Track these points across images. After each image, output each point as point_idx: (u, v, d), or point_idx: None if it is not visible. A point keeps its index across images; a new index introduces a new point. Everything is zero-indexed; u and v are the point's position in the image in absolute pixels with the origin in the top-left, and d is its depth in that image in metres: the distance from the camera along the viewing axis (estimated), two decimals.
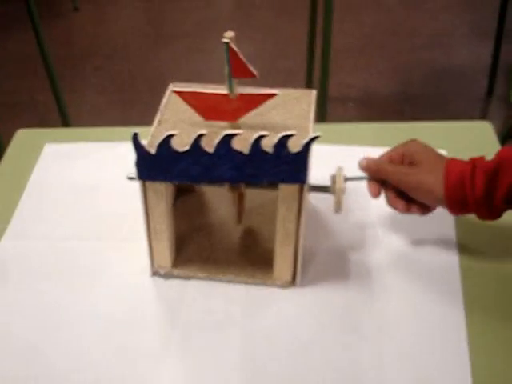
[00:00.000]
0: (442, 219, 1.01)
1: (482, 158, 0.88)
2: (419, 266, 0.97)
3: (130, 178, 0.94)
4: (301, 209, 0.86)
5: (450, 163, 0.88)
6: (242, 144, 0.80)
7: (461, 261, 0.97)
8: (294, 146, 0.80)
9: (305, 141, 0.80)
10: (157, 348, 0.87)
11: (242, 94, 0.86)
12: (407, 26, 3.45)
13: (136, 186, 0.89)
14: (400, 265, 0.97)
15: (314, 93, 0.96)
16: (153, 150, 0.81)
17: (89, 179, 1.13)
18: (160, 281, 0.96)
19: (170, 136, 0.80)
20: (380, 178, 0.91)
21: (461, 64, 3.14)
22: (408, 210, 0.91)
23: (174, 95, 0.93)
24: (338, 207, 0.90)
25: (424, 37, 3.36)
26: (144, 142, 0.83)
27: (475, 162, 0.87)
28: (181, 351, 0.87)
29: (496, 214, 0.87)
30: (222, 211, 1.03)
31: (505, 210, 0.87)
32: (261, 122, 0.90)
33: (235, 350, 0.87)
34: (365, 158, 0.92)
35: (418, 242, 1.01)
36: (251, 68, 0.84)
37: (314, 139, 0.80)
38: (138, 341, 0.88)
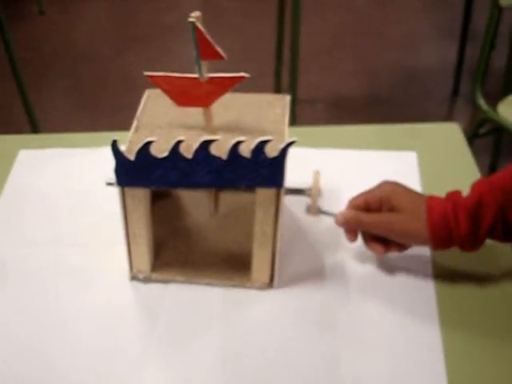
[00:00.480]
0: None
1: (458, 194, 0.91)
2: (393, 266, 0.99)
3: (109, 184, 0.95)
4: (278, 212, 0.88)
5: (431, 205, 0.90)
6: (218, 149, 0.82)
7: (434, 260, 0.99)
8: (271, 151, 0.81)
9: (282, 146, 0.81)
10: (137, 351, 0.88)
11: (211, 78, 0.86)
12: (374, 26, 3.49)
13: (113, 191, 0.90)
14: (374, 266, 0.99)
15: (287, 98, 0.97)
16: (132, 157, 0.82)
17: (65, 185, 1.13)
18: (139, 285, 0.96)
19: (149, 142, 0.81)
20: (360, 229, 0.94)
21: (427, 64, 3.19)
22: (386, 252, 0.94)
23: (151, 101, 0.94)
24: (313, 210, 0.92)
25: (391, 38, 3.40)
26: (122, 147, 0.84)
27: (455, 201, 0.89)
28: (161, 354, 0.88)
29: (479, 246, 0.91)
30: (198, 215, 1.05)
31: (485, 240, 0.90)
32: (236, 126, 0.91)
33: (215, 352, 0.88)
34: (341, 214, 0.94)
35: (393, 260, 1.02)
36: (219, 49, 0.83)
37: (290, 144, 0.81)
38: (118, 344, 0.89)
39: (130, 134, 0.90)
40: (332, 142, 1.21)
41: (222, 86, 0.87)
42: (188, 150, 0.82)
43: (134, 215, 0.89)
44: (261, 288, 0.96)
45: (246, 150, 0.82)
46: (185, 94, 0.87)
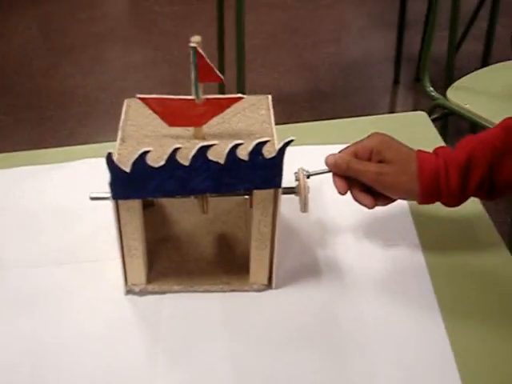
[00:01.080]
0: (401, 217, 1.06)
1: (448, 151, 0.91)
2: (387, 260, 1.00)
3: (94, 198, 0.93)
4: (275, 212, 0.87)
5: (421, 159, 0.90)
6: (211, 154, 0.81)
7: (425, 254, 1.02)
8: (265, 152, 0.81)
9: (279, 146, 0.81)
10: (144, 366, 0.86)
11: (208, 99, 0.86)
12: (307, 22, 3.52)
13: (96, 205, 0.89)
14: (368, 258, 1.00)
15: (269, 98, 0.97)
16: (127, 168, 0.80)
17: (43, 203, 1.10)
18: (135, 298, 0.95)
19: (146, 152, 0.79)
20: (349, 175, 0.92)
21: (365, 55, 3.23)
22: (375, 205, 0.93)
23: (132, 110, 0.92)
24: (304, 207, 0.91)
25: (325, 32, 3.43)
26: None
27: (446, 157, 0.90)
28: (168, 366, 0.86)
29: (462, 203, 0.92)
30: (185, 222, 1.04)
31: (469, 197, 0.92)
32: (225, 129, 0.90)
33: (221, 357, 0.87)
34: (331, 155, 0.93)
35: (383, 239, 1.04)
36: (217, 72, 0.84)
37: (288, 143, 0.81)
38: (124, 361, 0.87)
39: (116, 145, 0.88)
40: (310, 138, 1.21)
41: (218, 107, 0.87)
42: (184, 158, 0.80)
43: (129, 227, 0.88)
44: (259, 290, 0.95)
45: (243, 153, 0.81)
46: (178, 115, 0.87)
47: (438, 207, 0.93)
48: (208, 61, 0.83)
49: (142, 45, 3.28)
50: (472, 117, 1.94)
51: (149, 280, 0.95)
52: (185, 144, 0.87)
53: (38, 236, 1.05)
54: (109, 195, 0.91)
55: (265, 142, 0.81)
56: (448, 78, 2.29)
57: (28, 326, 0.91)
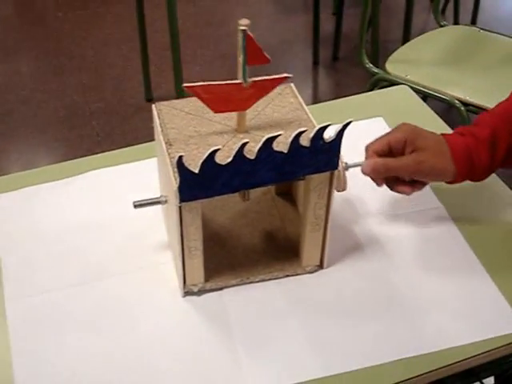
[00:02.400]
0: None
1: (470, 129, 0.98)
2: (419, 226, 1.07)
3: (138, 206, 0.93)
4: (330, 194, 0.91)
5: (451, 141, 0.97)
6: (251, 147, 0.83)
7: (449, 214, 1.08)
8: (304, 139, 0.83)
9: (338, 128, 0.84)
10: (226, 359, 0.89)
11: (255, 81, 0.88)
12: (217, 14, 3.54)
13: (116, 215, 0.97)
14: (402, 228, 1.06)
15: (292, 86, 1.00)
16: (196, 169, 0.81)
17: (62, 221, 1.08)
18: (193, 299, 0.96)
19: (215, 151, 0.80)
20: (388, 175, 0.97)
21: (280, 40, 3.28)
22: (413, 191, 0.99)
23: (164, 114, 0.94)
24: (340, 185, 0.95)
25: (237, 22, 3.44)
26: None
27: (472, 135, 0.97)
28: (250, 353, 0.89)
29: (489, 176, 1.00)
30: (220, 219, 1.06)
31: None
32: (264, 121, 0.93)
33: (296, 332, 0.91)
34: (367, 164, 0.96)
35: (409, 206, 1.10)
36: (265, 53, 0.85)
37: (347, 125, 0.84)
38: (206, 361, 0.88)
39: (164, 150, 0.89)
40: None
41: (264, 89, 0.89)
42: (248, 152, 0.82)
43: (191, 228, 0.89)
44: (312, 271, 0.98)
45: (304, 140, 0.84)
46: (224, 100, 0.88)
47: None
48: (257, 43, 0.83)
49: (50, 53, 3.22)
50: (414, 86, 2.02)
51: (205, 278, 0.96)
52: (232, 139, 0.88)
53: (70, 254, 1.03)
54: (153, 200, 0.92)
55: (326, 127, 0.83)
56: (375, 52, 2.37)
57: (99, 343, 0.91)
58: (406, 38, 2.61)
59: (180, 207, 0.86)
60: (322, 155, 0.85)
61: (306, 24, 3.33)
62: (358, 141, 0.98)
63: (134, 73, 2.97)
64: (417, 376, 0.86)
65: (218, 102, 0.87)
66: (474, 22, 3.24)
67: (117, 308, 0.94)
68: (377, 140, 0.97)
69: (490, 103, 1.85)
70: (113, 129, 2.76)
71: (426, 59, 2.15)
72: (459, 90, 1.97)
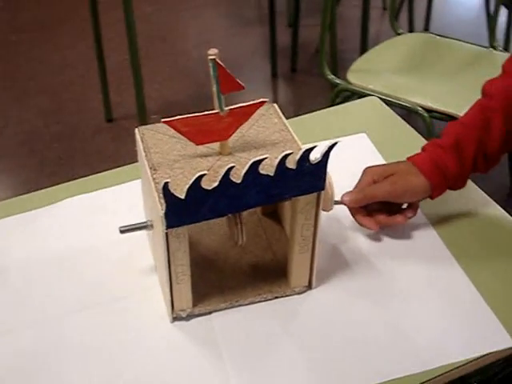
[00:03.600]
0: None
1: (433, 142, 1.03)
2: (406, 246, 1.07)
3: (124, 231, 0.93)
4: (318, 215, 0.91)
5: (415, 159, 1.03)
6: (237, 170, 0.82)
7: (433, 226, 1.10)
8: (291, 161, 0.83)
9: (324, 150, 0.84)
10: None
11: (232, 109, 0.87)
12: (171, 31, 3.53)
13: (107, 241, 0.97)
14: (389, 247, 1.07)
15: (275, 106, 1.00)
16: (182, 195, 0.81)
17: (43, 249, 1.07)
18: (182, 324, 0.95)
19: (201, 177, 0.80)
20: (367, 202, 1.02)
21: (237, 53, 3.29)
22: (380, 225, 1.04)
23: (147, 138, 0.93)
24: (327, 205, 0.95)
25: (193, 37, 3.46)
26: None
27: (435, 147, 1.02)
28: (240, 376, 0.88)
29: (466, 182, 1.05)
30: (206, 242, 1.05)
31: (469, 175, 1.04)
32: (248, 142, 0.93)
33: (288, 353, 0.91)
34: (345, 195, 1.02)
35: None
36: (238, 80, 0.85)
37: (333, 146, 0.84)
38: None
39: (149, 176, 0.88)
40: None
41: (243, 116, 0.88)
42: (234, 176, 0.82)
43: (178, 254, 0.88)
44: (300, 292, 0.98)
45: (290, 162, 0.84)
46: (204, 132, 0.88)
47: None
48: (228, 71, 0.83)
49: (6, 77, 3.18)
50: (378, 95, 2.04)
51: (194, 303, 0.95)
52: (217, 163, 0.88)
53: (54, 285, 1.01)
54: (139, 225, 0.91)
55: (312, 149, 0.83)
56: (334, 63, 2.39)
57: (91, 372, 0.89)
58: (363, 48, 2.63)
59: (166, 233, 0.84)
60: (308, 177, 0.85)
61: (262, 36, 3.34)
62: (342, 159, 1.00)
63: (93, 93, 2.94)
64: None
65: (198, 133, 0.87)
66: (426, 29, 3.29)
67: (106, 336, 0.93)
68: (352, 193, 1.02)
69: (452, 108, 1.90)
70: (75, 151, 2.73)
71: (387, 68, 2.18)
72: (421, 96, 2.00)
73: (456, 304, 0.96)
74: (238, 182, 0.82)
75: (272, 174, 0.83)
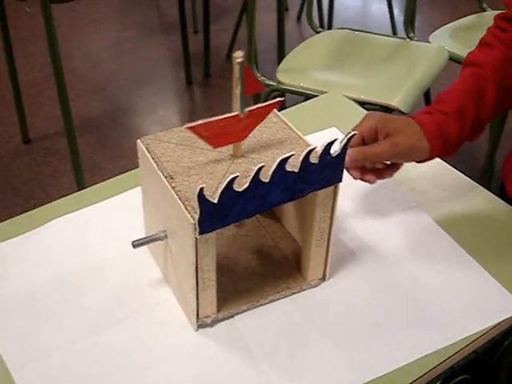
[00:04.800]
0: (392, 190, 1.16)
1: (436, 107, 1.04)
2: (401, 225, 1.11)
3: (137, 245, 0.92)
4: (334, 207, 0.93)
5: (419, 120, 1.02)
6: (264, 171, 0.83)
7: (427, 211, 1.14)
8: (313, 156, 0.85)
9: (343, 142, 0.87)
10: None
11: (250, 111, 0.88)
12: (78, 47, 3.47)
13: (115, 255, 0.98)
14: (390, 234, 1.10)
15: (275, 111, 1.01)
16: (215, 200, 0.81)
17: (39, 274, 1.04)
18: (207, 331, 0.95)
19: (233, 179, 0.80)
20: (367, 162, 1.02)
21: (148, 64, 3.26)
22: (378, 179, 1.05)
23: (153, 148, 0.94)
24: None
25: (101, 51, 3.41)
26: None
27: (439, 112, 1.03)
28: (280, 374, 0.89)
29: (456, 150, 1.06)
30: None
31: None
32: (256, 143, 0.94)
33: (325, 348, 0.92)
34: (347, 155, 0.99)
35: (389, 211, 1.14)
36: (260, 81, 0.86)
37: (351, 138, 0.87)
38: None
39: (166, 185, 0.88)
40: None
41: (259, 117, 0.90)
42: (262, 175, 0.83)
43: (205, 260, 0.88)
44: (316, 285, 1.00)
45: (313, 157, 0.85)
46: (222, 134, 0.88)
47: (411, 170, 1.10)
48: (252, 73, 0.84)
49: None
50: (309, 93, 2.09)
51: (218, 308, 0.95)
52: (231, 165, 0.89)
53: (63, 309, 0.98)
54: (152, 237, 0.91)
55: (332, 142, 0.85)
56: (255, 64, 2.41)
57: None
58: (280, 48, 2.67)
59: (196, 240, 0.84)
60: (328, 170, 0.87)
61: (170, 45, 3.34)
62: None
63: (7, 115, 2.85)
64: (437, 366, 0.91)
65: (217, 137, 0.87)
66: (330, 27, 3.37)
67: (129, 356, 0.91)
68: (353, 153, 1.00)
69: (384, 99, 1.96)
70: None
71: (313, 65, 2.23)
72: (352, 90, 2.04)
73: (464, 281, 1.01)
74: (267, 180, 0.83)
75: (297, 171, 0.84)
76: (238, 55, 0.82)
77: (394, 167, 1.05)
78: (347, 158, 0.94)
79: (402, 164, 1.05)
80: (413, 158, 1.03)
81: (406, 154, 1.01)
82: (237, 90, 0.85)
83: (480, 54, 1.09)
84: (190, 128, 0.85)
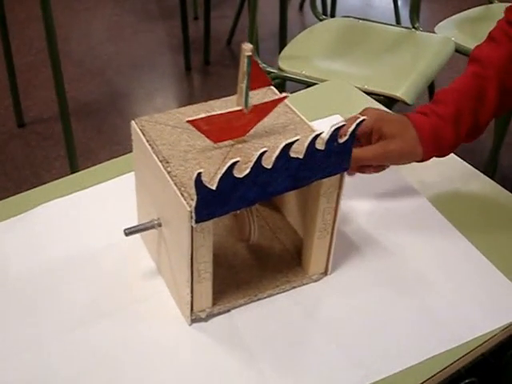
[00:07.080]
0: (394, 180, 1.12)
1: (432, 107, 1.00)
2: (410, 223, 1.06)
3: (130, 233, 0.87)
4: (339, 197, 0.87)
5: (416, 123, 0.98)
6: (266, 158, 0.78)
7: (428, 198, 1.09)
8: (319, 142, 0.80)
9: (351, 128, 0.81)
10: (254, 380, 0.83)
11: (255, 106, 0.83)
12: (73, 29, 3.42)
13: (91, 248, 0.94)
14: (393, 226, 1.05)
15: (273, 88, 0.96)
16: (213, 186, 0.76)
17: (29, 259, 0.98)
18: (201, 325, 0.90)
19: (233, 165, 0.75)
20: (358, 165, 0.98)
21: (147, 49, 3.21)
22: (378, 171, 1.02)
23: (148, 130, 0.88)
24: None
25: (98, 34, 3.35)
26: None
27: (436, 115, 0.98)
28: (276, 370, 0.84)
29: (453, 151, 1.03)
30: None
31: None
32: (259, 130, 0.88)
33: (325, 346, 0.87)
34: None
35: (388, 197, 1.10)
36: (266, 75, 0.82)
37: (359, 125, 0.81)
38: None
39: (161, 169, 0.82)
40: None
41: (263, 112, 0.85)
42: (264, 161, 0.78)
43: (201, 250, 0.83)
44: (317, 279, 0.95)
45: (319, 143, 0.80)
46: (224, 129, 0.83)
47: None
48: (260, 67, 0.80)
49: None
50: (311, 81, 2.04)
51: (213, 302, 0.90)
52: (231, 150, 0.84)
53: (58, 296, 0.93)
54: (145, 225, 0.86)
55: (340, 128, 0.80)
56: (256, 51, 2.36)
57: None
58: (282, 36, 2.61)
59: (192, 229, 0.79)
60: (334, 157, 0.82)
61: (170, 30, 3.28)
62: None
63: (1, 98, 2.79)
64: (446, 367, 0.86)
65: (218, 131, 0.82)
66: (333, 16, 3.32)
67: (118, 351, 0.86)
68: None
69: (387, 89, 1.91)
70: None
71: (316, 53, 2.17)
72: (354, 79, 1.98)
73: (471, 277, 0.96)
74: (269, 167, 0.77)
75: (301, 157, 0.79)
76: (248, 48, 0.77)
77: (382, 166, 1.03)
78: None
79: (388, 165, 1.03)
80: (404, 162, 1.01)
81: (398, 160, 1.00)
82: (243, 84, 0.80)
83: (486, 49, 1.04)
84: (191, 121, 0.80)
